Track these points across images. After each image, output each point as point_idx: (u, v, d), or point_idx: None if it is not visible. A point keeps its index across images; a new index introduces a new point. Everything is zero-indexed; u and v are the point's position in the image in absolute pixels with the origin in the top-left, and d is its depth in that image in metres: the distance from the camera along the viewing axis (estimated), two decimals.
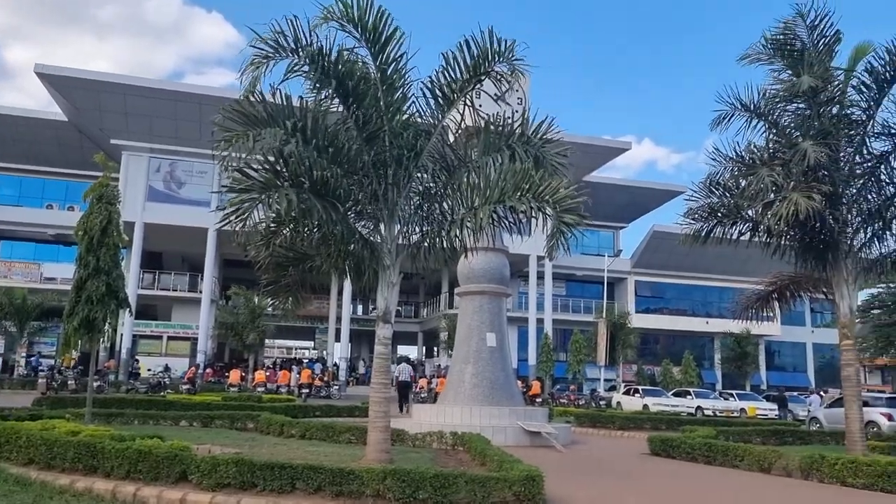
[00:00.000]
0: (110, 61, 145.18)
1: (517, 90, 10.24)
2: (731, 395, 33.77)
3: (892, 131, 12.98)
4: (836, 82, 13.11)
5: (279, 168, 8.44)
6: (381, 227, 9.55)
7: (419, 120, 9.58)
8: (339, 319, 42.52)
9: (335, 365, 40.79)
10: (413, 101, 9.51)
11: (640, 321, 45.99)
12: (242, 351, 38.90)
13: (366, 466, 7.58)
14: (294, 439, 13.27)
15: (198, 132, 34.58)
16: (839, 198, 12.95)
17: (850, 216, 13.23)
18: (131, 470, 7.56)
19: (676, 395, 33.04)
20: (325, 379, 33.96)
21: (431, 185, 9.88)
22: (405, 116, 9.44)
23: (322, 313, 44.99)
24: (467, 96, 9.59)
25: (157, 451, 7.56)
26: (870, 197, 13.37)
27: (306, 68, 8.78)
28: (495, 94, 9.32)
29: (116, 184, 14.78)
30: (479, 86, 9.50)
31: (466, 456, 11.07)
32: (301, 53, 8.63)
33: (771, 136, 13.58)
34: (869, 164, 13.33)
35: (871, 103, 12.94)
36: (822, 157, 11.97)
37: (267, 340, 49.94)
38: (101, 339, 13.52)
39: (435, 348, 50.92)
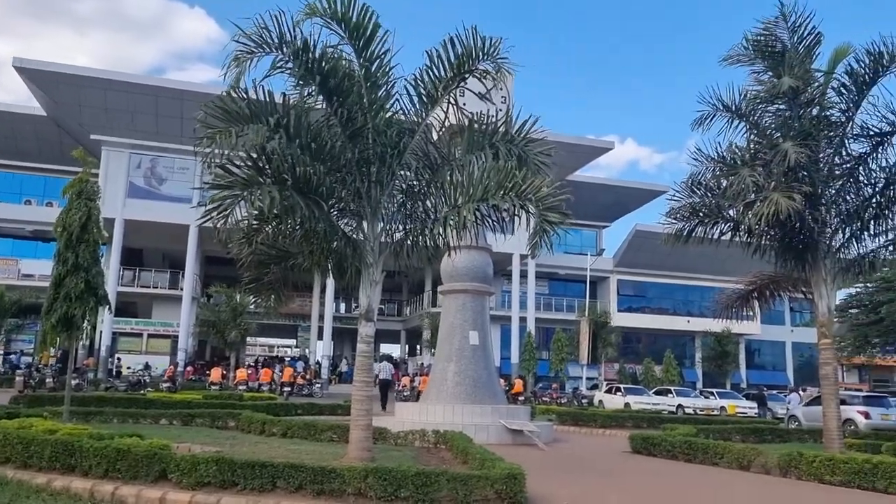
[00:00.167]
0: (90, 56, 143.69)
1: (501, 89, 10.24)
2: (712, 393, 34.18)
3: (871, 133, 13.13)
4: (817, 84, 13.23)
5: (262, 165, 8.39)
6: (364, 224, 9.51)
7: (403, 117, 9.56)
8: (321, 317, 42.39)
9: (317, 363, 40.63)
10: (397, 99, 9.50)
11: (622, 320, 46.39)
12: (224, 349, 38.64)
13: (347, 465, 7.56)
14: (275, 438, 13.19)
15: (179, 128, 34.27)
16: (819, 198, 13.09)
17: (829, 217, 13.37)
18: (109, 469, 7.47)
19: (658, 393, 33.35)
20: (308, 377, 33.81)
21: (415, 182, 9.87)
22: (389, 114, 9.42)
23: (304, 311, 44.86)
24: (451, 94, 9.59)
25: (135, 450, 7.47)
26: (848, 198, 13.54)
27: (290, 64, 8.74)
28: (480, 93, 9.31)
29: (96, 180, 14.59)
30: (463, 84, 9.50)
31: (448, 454, 11.08)
32: (285, 49, 8.59)
33: (752, 136, 13.68)
34: (848, 165, 13.50)
35: (851, 105, 13.06)
36: (802, 158, 12.09)
37: (249, 338, 49.57)
38: (80, 337, 13.36)
39: (418, 347, 50.94)
